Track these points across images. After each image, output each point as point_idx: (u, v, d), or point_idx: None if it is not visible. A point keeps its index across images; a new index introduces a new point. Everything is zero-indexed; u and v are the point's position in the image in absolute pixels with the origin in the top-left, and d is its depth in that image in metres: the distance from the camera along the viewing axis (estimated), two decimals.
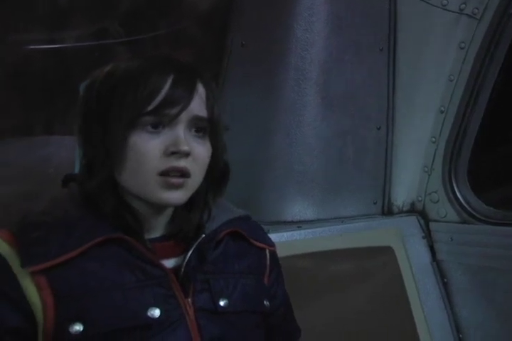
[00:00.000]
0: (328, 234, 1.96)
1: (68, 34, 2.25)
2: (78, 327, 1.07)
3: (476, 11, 1.88)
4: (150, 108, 1.10)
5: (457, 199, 2.03)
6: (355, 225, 2.03)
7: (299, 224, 1.98)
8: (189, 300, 1.15)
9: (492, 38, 1.89)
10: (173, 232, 1.21)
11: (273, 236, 1.78)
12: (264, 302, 1.27)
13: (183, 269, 1.16)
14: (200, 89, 1.15)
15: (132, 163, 1.11)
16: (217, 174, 1.21)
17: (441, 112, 2.02)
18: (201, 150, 1.15)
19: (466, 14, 1.91)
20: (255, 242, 1.30)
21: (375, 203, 2.14)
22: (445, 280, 2.08)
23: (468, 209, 2.01)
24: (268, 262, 1.33)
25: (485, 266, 1.96)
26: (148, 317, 1.10)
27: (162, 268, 1.14)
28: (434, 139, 2.06)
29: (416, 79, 2.05)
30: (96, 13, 2.27)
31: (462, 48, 1.94)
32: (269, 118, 1.99)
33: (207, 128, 1.16)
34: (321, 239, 1.94)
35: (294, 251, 1.87)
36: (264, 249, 1.33)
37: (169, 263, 1.18)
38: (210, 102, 1.16)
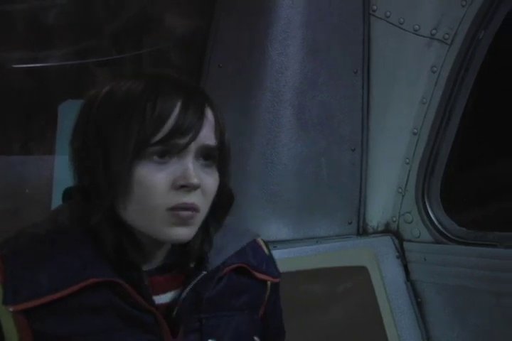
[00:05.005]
0: (303, 254, 1.97)
1: (47, 53, 2.26)
2: None
3: (447, 36, 1.92)
4: (158, 138, 1.00)
5: (430, 219, 2.05)
6: (329, 245, 2.04)
7: (273, 243, 1.97)
8: None
9: (462, 62, 1.93)
10: (172, 262, 1.12)
11: None
12: (255, 338, 1.20)
13: (175, 312, 1.08)
14: (209, 115, 1.06)
15: (138, 197, 1.01)
16: (221, 202, 1.11)
17: (414, 134, 2.05)
18: (210, 182, 1.06)
19: (438, 39, 1.95)
20: (259, 275, 1.21)
21: (350, 223, 2.15)
22: (419, 300, 2.09)
23: (441, 229, 2.03)
24: (268, 294, 1.26)
25: (458, 286, 1.98)
26: None
27: (154, 314, 1.06)
28: (407, 160, 2.09)
29: (389, 102, 2.09)
30: (75, 33, 2.29)
31: (434, 72, 1.98)
32: (245, 139, 2.01)
33: (216, 156, 1.07)
34: (296, 258, 1.95)
35: None
36: (266, 281, 1.25)
37: (165, 297, 1.10)
38: (220, 129, 1.08)
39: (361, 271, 2.04)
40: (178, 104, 1.02)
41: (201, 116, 1.04)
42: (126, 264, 1.05)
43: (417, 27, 1.97)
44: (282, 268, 1.91)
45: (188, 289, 1.09)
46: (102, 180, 1.02)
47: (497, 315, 1.90)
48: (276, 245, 1.97)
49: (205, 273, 1.11)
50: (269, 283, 1.25)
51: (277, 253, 1.92)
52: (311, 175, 2.05)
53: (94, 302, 1.02)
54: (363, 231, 2.18)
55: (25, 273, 1.00)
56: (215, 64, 2.08)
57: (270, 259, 1.27)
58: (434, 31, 1.95)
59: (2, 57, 2.18)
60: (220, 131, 1.08)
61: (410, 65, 2.02)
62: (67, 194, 1.13)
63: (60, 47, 2.27)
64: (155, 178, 1.01)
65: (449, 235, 2.01)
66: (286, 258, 1.93)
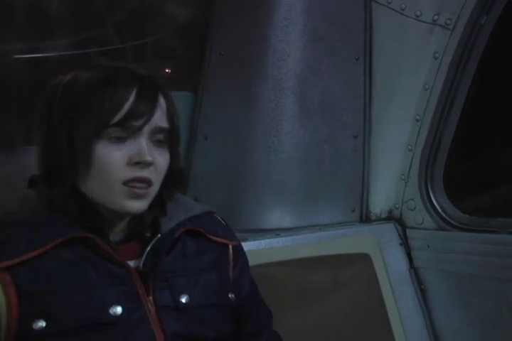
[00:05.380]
0: (306, 242, 1.97)
1: (48, 43, 2.25)
2: (41, 324, 1.11)
3: (449, 21, 1.91)
4: (116, 120, 1.15)
5: (433, 206, 2.05)
6: (332, 233, 2.04)
7: (277, 231, 1.99)
8: (150, 298, 1.20)
9: (465, 48, 1.92)
10: (132, 233, 1.26)
11: (251, 244, 1.81)
12: (229, 295, 1.33)
13: (141, 268, 1.22)
14: (162, 101, 1.22)
15: (97, 173, 1.17)
16: (172, 180, 1.27)
17: (417, 121, 2.05)
18: (162, 160, 1.22)
19: (440, 25, 1.94)
20: (215, 238, 1.35)
21: (353, 211, 2.16)
22: (422, 286, 2.09)
23: (444, 216, 2.02)
24: (231, 257, 1.38)
25: (461, 273, 1.98)
26: (110, 315, 1.15)
27: (126, 267, 1.20)
28: (410, 147, 2.08)
29: (391, 89, 2.08)
30: (76, 23, 2.28)
31: (436, 58, 1.97)
32: (247, 127, 2.01)
33: (167, 138, 1.23)
34: (299, 246, 1.95)
35: (272, 259, 1.88)
36: (226, 245, 1.37)
37: (131, 264, 1.23)
38: (171, 114, 1.23)
39: (364, 259, 2.05)
40: (134, 91, 1.17)
41: (154, 103, 1.19)
42: (92, 228, 1.19)
43: (418, 13, 1.96)
44: (285, 255, 1.93)
45: (147, 250, 1.23)
46: (67, 159, 1.16)
47: (500, 301, 1.90)
48: (280, 233, 1.98)
49: (159, 235, 1.26)
50: (230, 246, 1.38)
51: (281, 241, 1.95)
52: (313, 162, 2.05)
53: (70, 257, 1.16)
54: (366, 218, 2.18)
55: (3, 239, 1.14)
56: (216, 52, 2.08)
57: (227, 228, 1.41)
58: (436, 17, 1.93)
59: (3, 48, 2.17)
60: (171, 116, 1.23)
61: (412, 51, 2.01)
62: (32, 181, 1.27)
63: (61, 38, 2.26)
64: (113, 155, 1.16)
65: (452, 222, 2.01)
66: (289, 246, 1.94)
